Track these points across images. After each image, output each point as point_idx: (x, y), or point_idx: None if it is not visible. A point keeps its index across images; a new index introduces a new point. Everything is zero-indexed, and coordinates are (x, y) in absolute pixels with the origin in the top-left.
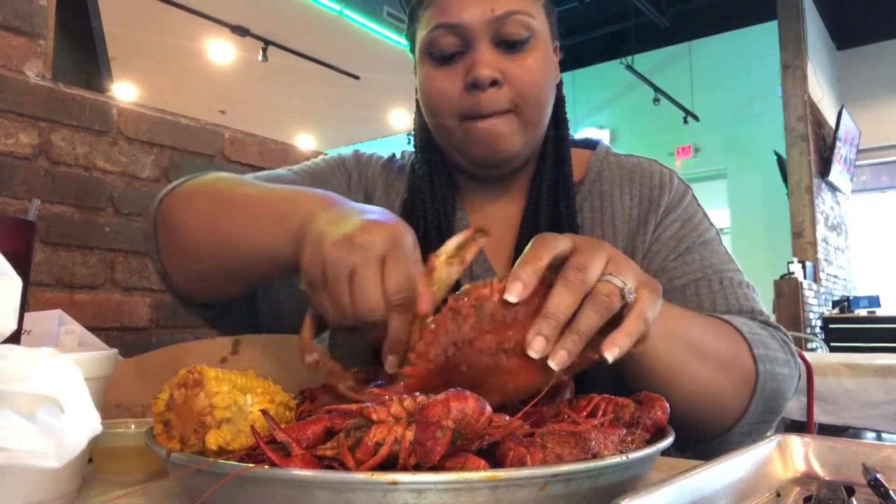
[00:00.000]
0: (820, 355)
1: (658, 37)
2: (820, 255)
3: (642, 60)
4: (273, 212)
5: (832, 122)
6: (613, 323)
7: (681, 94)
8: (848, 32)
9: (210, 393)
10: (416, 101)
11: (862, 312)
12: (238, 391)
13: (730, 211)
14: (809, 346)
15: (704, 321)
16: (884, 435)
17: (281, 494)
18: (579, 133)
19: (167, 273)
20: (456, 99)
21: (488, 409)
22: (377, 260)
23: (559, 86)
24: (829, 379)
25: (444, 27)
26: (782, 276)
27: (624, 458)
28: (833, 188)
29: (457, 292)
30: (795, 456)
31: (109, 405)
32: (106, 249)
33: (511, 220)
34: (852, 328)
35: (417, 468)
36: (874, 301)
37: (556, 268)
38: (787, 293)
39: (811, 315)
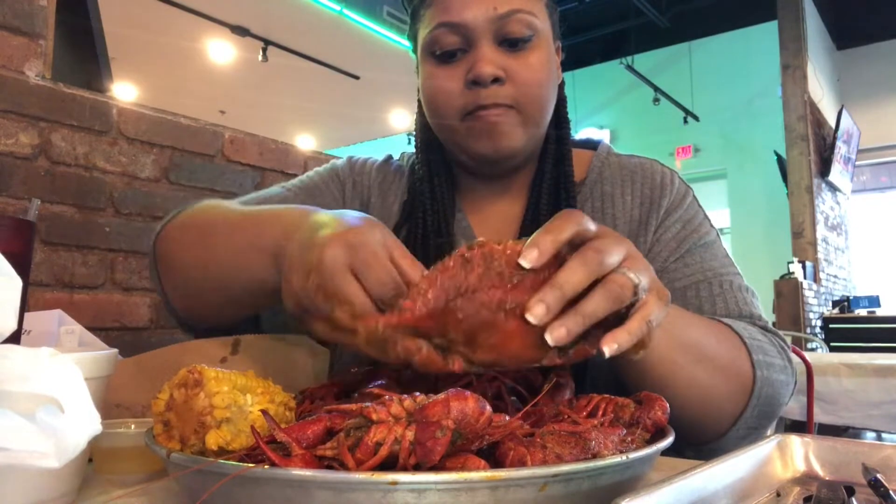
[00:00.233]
0: (820, 355)
1: (658, 37)
2: (820, 255)
3: (642, 60)
4: (248, 237)
5: (832, 122)
6: (615, 322)
7: (681, 94)
8: (848, 32)
9: (210, 393)
10: (418, 101)
11: (862, 312)
12: (238, 391)
13: (730, 211)
14: (809, 346)
15: (706, 324)
16: (884, 435)
17: (281, 494)
18: (580, 133)
19: (172, 305)
20: (457, 97)
21: (488, 409)
22: (345, 273)
23: (561, 86)
24: (829, 379)
25: (445, 26)
26: (782, 276)
27: (624, 458)
28: (833, 188)
29: (472, 243)
30: (795, 456)
31: (109, 405)
32: (106, 249)
33: (511, 220)
34: (852, 328)
35: (417, 468)
36: (874, 301)
37: (576, 246)
38: (787, 293)
39: (811, 315)
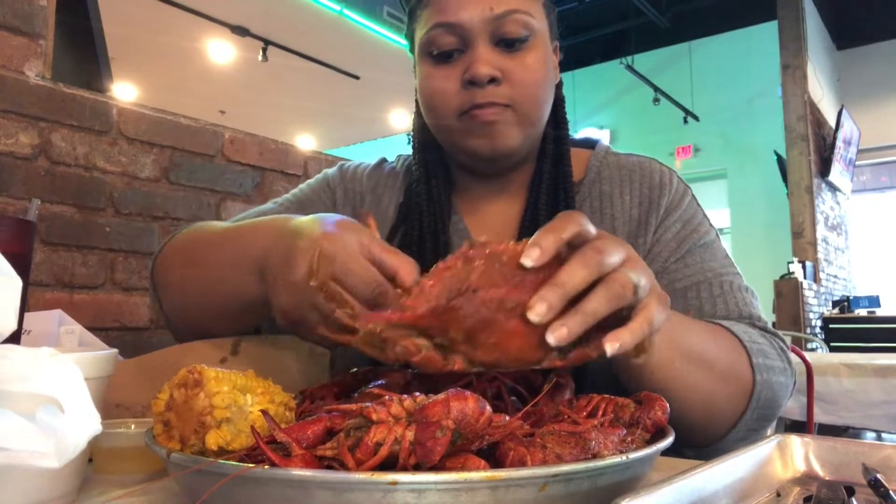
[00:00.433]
0: (820, 355)
1: (658, 37)
2: (820, 255)
3: (642, 60)
4: (229, 255)
5: (832, 122)
6: (615, 325)
7: (681, 94)
8: (848, 32)
9: (210, 393)
10: (416, 101)
11: (862, 312)
12: (238, 391)
13: (730, 211)
14: (809, 346)
15: (705, 329)
16: (884, 435)
17: (281, 494)
18: (579, 133)
19: (173, 327)
20: (454, 97)
21: (488, 409)
22: (330, 280)
23: (559, 86)
24: (829, 379)
25: (442, 26)
26: (782, 276)
27: (624, 458)
28: (833, 188)
29: (473, 240)
30: (795, 456)
31: (109, 405)
32: (106, 249)
33: (509, 221)
34: (852, 328)
35: (417, 468)
36: (874, 301)
37: (576, 247)
38: (787, 293)
39: (811, 315)
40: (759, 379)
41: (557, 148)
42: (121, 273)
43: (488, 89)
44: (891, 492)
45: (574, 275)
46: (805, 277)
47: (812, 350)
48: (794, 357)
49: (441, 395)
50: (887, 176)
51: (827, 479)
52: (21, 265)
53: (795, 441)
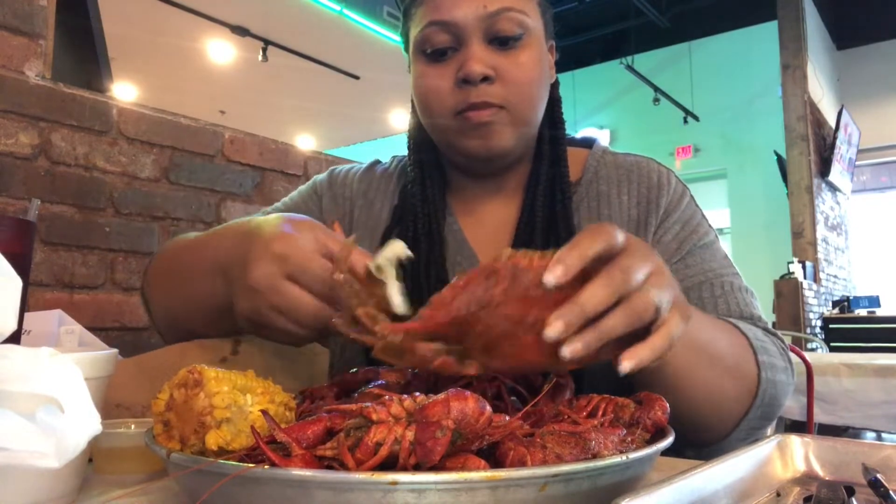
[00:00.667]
0: (820, 355)
1: (658, 37)
2: (820, 255)
3: (642, 60)
4: (197, 262)
5: (832, 122)
6: (630, 335)
7: (681, 94)
8: (848, 32)
9: (210, 393)
10: (412, 101)
11: (862, 312)
12: (238, 391)
13: (730, 211)
14: (809, 346)
15: (714, 324)
16: (884, 435)
17: (281, 494)
18: (579, 133)
19: (168, 342)
20: (447, 96)
21: (488, 409)
22: (283, 283)
23: (555, 86)
24: (829, 379)
25: (436, 24)
26: (782, 276)
27: (624, 458)
28: (833, 188)
29: (498, 255)
30: (795, 456)
31: (109, 405)
32: (106, 249)
33: (505, 222)
34: (852, 328)
35: (417, 468)
36: (874, 301)
37: (602, 260)
38: (787, 293)
39: (811, 315)
40: (764, 377)
41: (554, 148)
42: (121, 273)
43: (482, 88)
44: (891, 492)
45: (595, 296)
46: (805, 277)
47: (812, 350)
48: (793, 358)
49: (441, 395)
50: (887, 176)
51: (827, 479)
52: (21, 265)
53: (795, 441)
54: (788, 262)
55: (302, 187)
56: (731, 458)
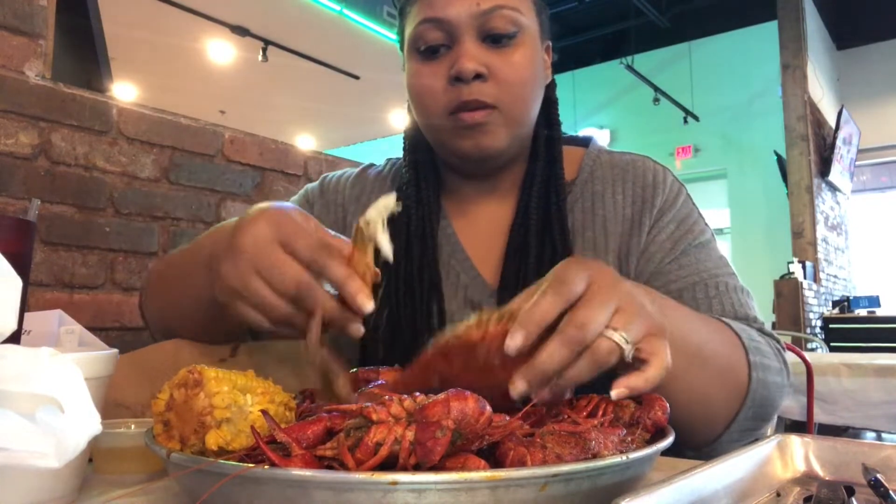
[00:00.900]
0: (820, 355)
1: (658, 37)
2: (820, 255)
3: (642, 60)
4: (190, 260)
5: (832, 122)
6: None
7: (681, 94)
8: (848, 32)
9: (210, 393)
10: (408, 101)
11: (862, 312)
12: (238, 391)
13: (730, 211)
14: (809, 346)
15: (705, 323)
16: (884, 435)
17: (281, 494)
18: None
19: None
20: (440, 94)
21: (488, 409)
22: (274, 245)
23: (552, 88)
24: (829, 379)
25: (429, 21)
26: (782, 276)
27: (624, 458)
28: (833, 188)
29: (451, 330)
30: (795, 456)
31: (107, 403)
32: (106, 249)
33: (499, 224)
34: (852, 328)
35: (417, 468)
36: (874, 301)
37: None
38: (787, 293)
39: (811, 315)
40: (754, 377)
41: (550, 149)
42: (121, 273)
43: (474, 86)
44: (891, 492)
45: (554, 356)
46: (805, 277)
47: (812, 350)
48: (789, 359)
49: (441, 395)
50: (887, 176)
51: (827, 479)
52: (21, 265)
53: (795, 441)
54: (788, 262)
55: (295, 196)
56: (731, 458)
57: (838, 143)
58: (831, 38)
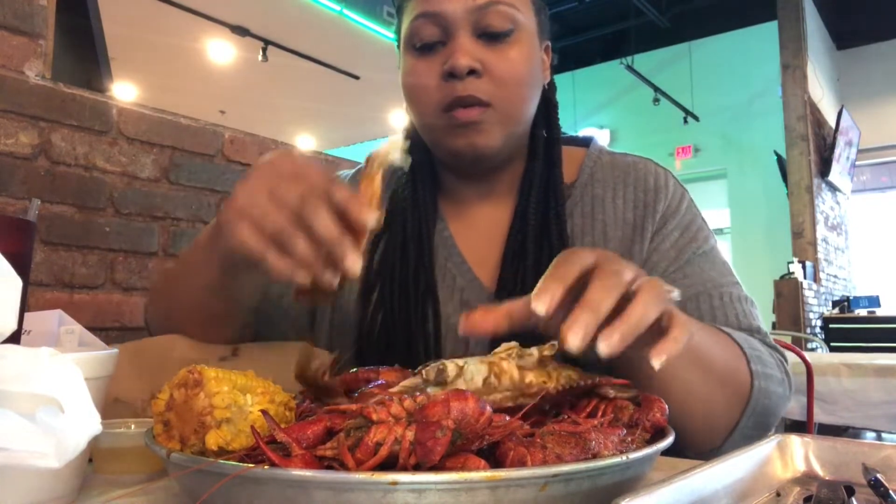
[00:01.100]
0: (820, 355)
1: (658, 37)
2: (820, 255)
3: (642, 60)
4: (195, 251)
5: (832, 122)
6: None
7: (681, 94)
8: (848, 32)
9: (210, 393)
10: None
11: (862, 312)
12: (238, 391)
13: (730, 211)
14: (809, 346)
15: (708, 333)
16: (884, 435)
17: (281, 494)
18: (579, 133)
19: None
20: (434, 90)
21: (488, 409)
22: (284, 170)
23: (552, 89)
24: (829, 379)
25: (424, 16)
26: (782, 276)
27: (624, 458)
28: (833, 188)
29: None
30: (795, 456)
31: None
32: (106, 249)
33: (497, 227)
34: (852, 328)
35: (417, 468)
36: (874, 301)
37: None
38: (787, 293)
39: (811, 315)
40: (756, 386)
41: (548, 151)
42: (121, 273)
43: (468, 82)
44: (891, 492)
45: (602, 294)
46: (805, 277)
47: (812, 350)
48: (790, 356)
49: (441, 395)
50: (887, 176)
51: (827, 479)
52: (21, 265)
53: (795, 441)
54: (788, 262)
55: None
56: (731, 458)
57: (838, 143)
58: (831, 38)
